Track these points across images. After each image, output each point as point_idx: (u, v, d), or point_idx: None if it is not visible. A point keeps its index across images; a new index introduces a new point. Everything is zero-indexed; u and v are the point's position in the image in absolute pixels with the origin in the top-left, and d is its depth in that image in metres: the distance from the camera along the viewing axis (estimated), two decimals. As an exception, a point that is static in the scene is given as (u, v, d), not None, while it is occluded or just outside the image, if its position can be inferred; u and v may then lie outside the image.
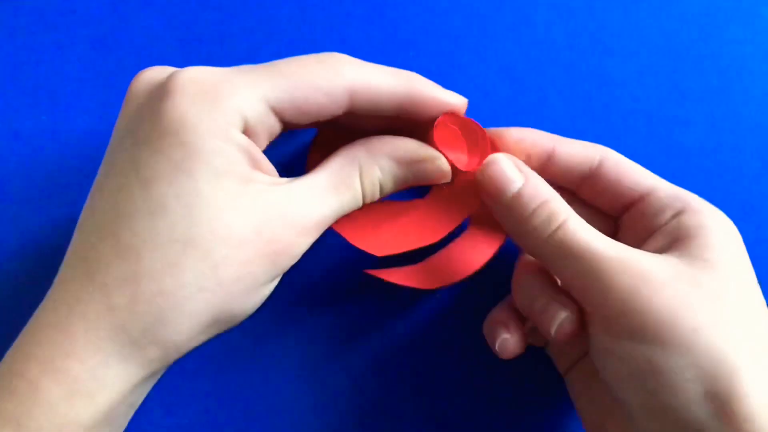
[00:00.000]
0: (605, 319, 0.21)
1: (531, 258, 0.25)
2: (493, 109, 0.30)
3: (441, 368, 0.28)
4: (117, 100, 0.29)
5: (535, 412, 0.28)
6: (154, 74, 0.21)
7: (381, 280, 0.25)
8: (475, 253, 0.26)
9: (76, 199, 0.28)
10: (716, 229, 0.22)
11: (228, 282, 0.19)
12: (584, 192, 0.25)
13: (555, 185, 0.23)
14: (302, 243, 0.21)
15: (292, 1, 0.31)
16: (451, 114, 0.23)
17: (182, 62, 0.25)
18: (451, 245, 0.26)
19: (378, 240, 0.25)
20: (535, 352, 0.27)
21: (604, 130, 0.30)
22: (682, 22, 0.31)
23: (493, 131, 0.25)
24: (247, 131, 0.20)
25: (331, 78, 0.20)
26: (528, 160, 0.25)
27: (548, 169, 0.25)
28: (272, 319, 0.28)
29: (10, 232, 0.29)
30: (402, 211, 0.25)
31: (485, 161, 0.23)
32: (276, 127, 0.21)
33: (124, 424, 0.20)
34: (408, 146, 0.23)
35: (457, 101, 0.23)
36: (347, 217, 0.23)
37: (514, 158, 0.23)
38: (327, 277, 0.28)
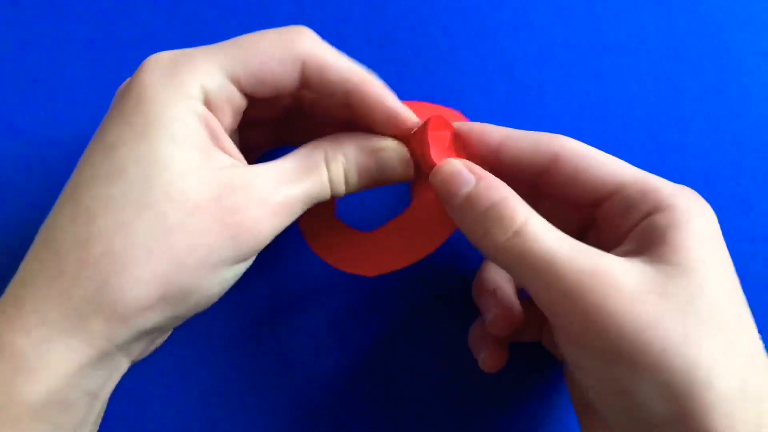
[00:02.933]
0: (572, 336, 0.20)
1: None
2: (492, 109, 0.30)
3: (435, 359, 0.28)
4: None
5: (532, 401, 0.28)
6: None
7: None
8: (427, 235, 0.25)
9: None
10: (690, 227, 0.20)
11: (180, 249, 0.18)
12: (545, 187, 0.23)
13: (514, 180, 0.22)
14: (268, 222, 0.20)
15: (296, 6, 0.31)
16: (434, 119, 0.23)
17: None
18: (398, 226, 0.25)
19: (368, 261, 0.25)
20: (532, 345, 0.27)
21: (604, 130, 0.30)
22: (680, 21, 0.31)
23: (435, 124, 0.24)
24: (209, 103, 0.20)
25: (285, 46, 0.21)
26: (472, 157, 0.23)
27: (498, 167, 0.23)
28: (262, 316, 0.28)
29: (10, 227, 0.29)
30: (387, 232, 0.25)
31: (437, 166, 0.22)
32: (238, 99, 0.21)
33: (87, 415, 0.19)
34: (371, 136, 0.23)
35: (403, 111, 0.22)
36: (334, 245, 0.24)
37: (466, 161, 0.22)
38: (311, 276, 0.29)
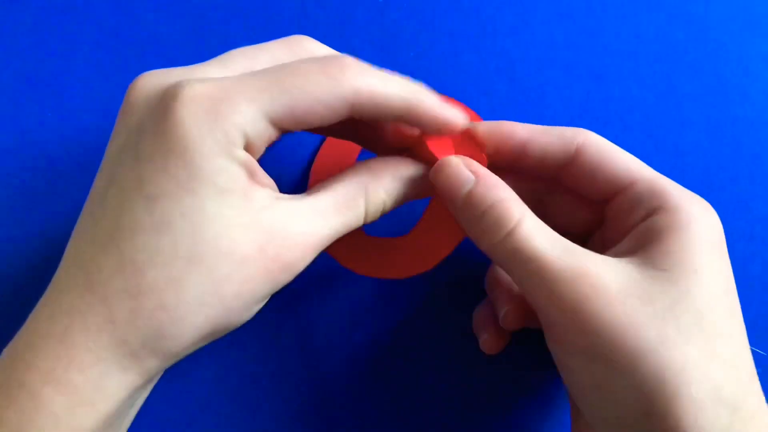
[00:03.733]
0: (555, 333, 0.21)
1: None
2: (494, 109, 0.30)
3: (431, 354, 0.28)
4: (121, 97, 0.30)
5: (528, 391, 0.28)
6: (152, 83, 0.21)
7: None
8: (437, 244, 0.25)
9: (80, 196, 0.28)
10: (689, 231, 0.20)
11: (229, 298, 0.19)
12: (565, 180, 0.24)
13: (534, 175, 0.23)
14: (303, 261, 0.21)
15: (299, 10, 0.31)
16: None
17: (185, 61, 0.25)
18: (413, 236, 0.26)
19: (382, 264, 0.25)
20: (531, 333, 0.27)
21: (605, 132, 0.30)
22: (681, 22, 0.31)
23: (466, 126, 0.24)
24: (246, 144, 0.20)
25: (333, 89, 0.20)
26: (497, 154, 0.24)
27: (523, 163, 0.24)
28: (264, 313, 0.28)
29: (15, 227, 0.29)
30: (411, 237, 0.26)
31: (436, 164, 0.22)
32: (274, 136, 0.21)
33: (127, 422, 0.21)
34: (408, 166, 0.23)
35: (457, 122, 0.22)
36: (352, 250, 0.25)
37: (467, 159, 0.23)
38: (315, 273, 0.29)
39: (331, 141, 0.29)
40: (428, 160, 0.23)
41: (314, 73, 0.20)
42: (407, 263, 0.25)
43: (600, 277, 0.19)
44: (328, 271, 0.29)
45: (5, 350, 0.19)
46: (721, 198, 0.29)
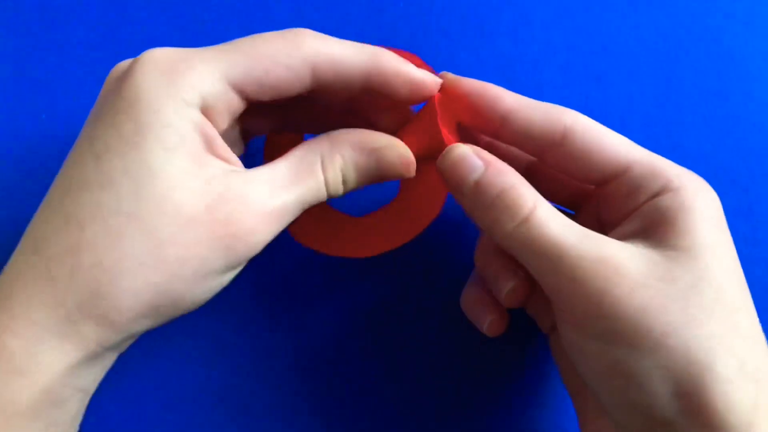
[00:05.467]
0: (574, 318, 0.20)
1: None
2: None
3: (423, 344, 0.28)
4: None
5: (519, 378, 0.28)
6: (129, 61, 0.21)
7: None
8: (416, 215, 0.25)
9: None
10: (696, 210, 0.20)
11: (173, 261, 0.18)
12: (551, 162, 0.23)
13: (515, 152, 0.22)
14: (262, 230, 0.20)
15: (294, 10, 0.31)
16: (439, 96, 0.23)
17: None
18: (388, 209, 0.26)
19: (355, 244, 0.25)
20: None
21: None
22: (680, 23, 0.31)
23: (448, 79, 0.23)
24: (205, 109, 0.20)
25: (291, 51, 0.20)
26: (473, 121, 0.23)
27: (503, 135, 0.23)
28: (258, 312, 0.28)
29: (10, 229, 0.29)
30: (374, 217, 0.25)
31: (444, 151, 0.22)
32: (237, 104, 0.21)
33: (80, 409, 0.20)
34: (369, 134, 0.22)
35: (427, 78, 0.22)
36: (321, 231, 0.24)
37: (474, 146, 0.22)
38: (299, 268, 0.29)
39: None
40: (429, 143, 0.23)
41: (273, 38, 0.20)
42: (370, 242, 0.25)
43: (621, 262, 0.19)
44: (320, 266, 0.29)
45: None
46: (723, 200, 0.29)
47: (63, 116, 0.30)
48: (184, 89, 0.19)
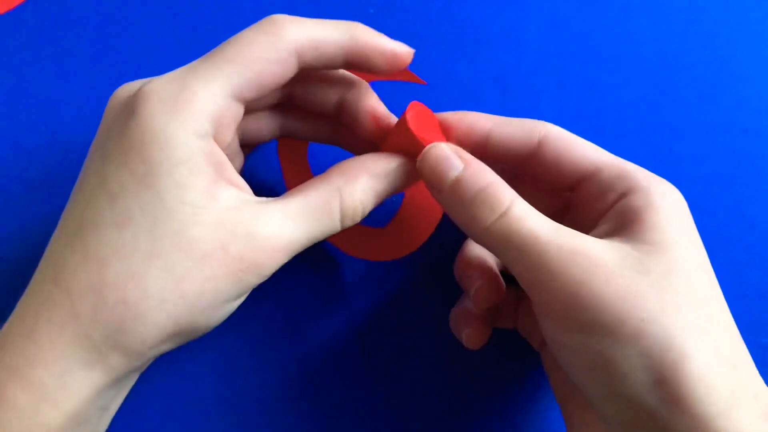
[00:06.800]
0: (553, 312, 0.21)
1: (469, 239, 0.26)
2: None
3: (415, 359, 0.28)
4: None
5: (513, 389, 0.28)
6: (127, 89, 0.21)
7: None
8: (416, 228, 0.27)
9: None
10: (664, 208, 0.21)
11: (191, 295, 0.19)
12: (529, 171, 0.24)
13: (497, 166, 0.23)
14: (271, 264, 0.21)
15: (279, 10, 0.31)
16: (414, 105, 0.23)
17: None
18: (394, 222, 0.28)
19: (369, 247, 0.27)
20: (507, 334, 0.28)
21: (597, 139, 0.29)
22: (672, 30, 0.31)
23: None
24: (215, 127, 0.20)
25: (276, 44, 0.20)
26: (462, 145, 0.24)
27: (486, 152, 0.24)
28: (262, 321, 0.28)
29: (11, 239, 0.29)
30: (394, 225, 0.28)
31: (423, 150, 0.23)
32: (239, 111, 0.21)
33: (102, 426, 0.21)
34: (380, 159, 0.23)
35: (401, 49, 0.23)
36: (354, 240, 0.26)
37: (454, 145, 0.23)
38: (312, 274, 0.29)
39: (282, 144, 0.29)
40: (408, 149, 0.23)
41: (255, 37, 0.20)
42: (388, 249, 0.27)
43: (596, 253, 0.20)
44: (315, 260, 0.29)
45: None
46: (716, 205, 0.29)
47: (61, 127, 0.30)
48: (191, 122, 0.19)
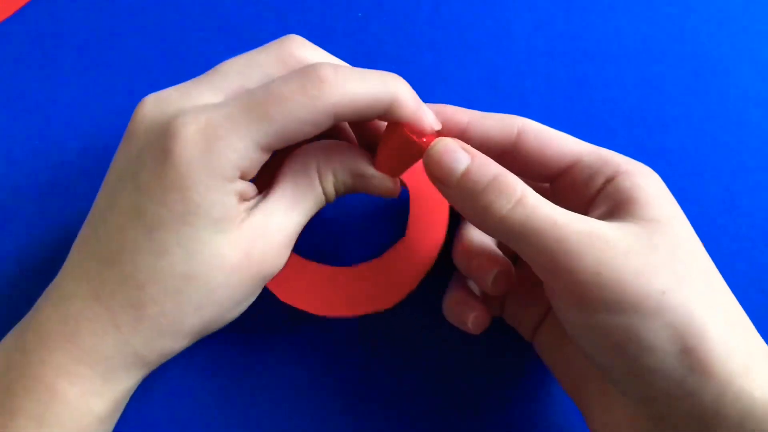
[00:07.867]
0: (575, 295, 0.21)
1: (468, 226, 0.27)
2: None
3: (408, 355, 0.29)
4: (108, 122, 0.30)
5: (510, 384, 0.28)
6: (152, 113, 0.22)
7: None
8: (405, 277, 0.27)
9: (69, 221, 0.29)
10: (650, 186, 0.22)
11: (222, 301, 0.22)
12: (509, 165, 0.24)
13: None
14: (284, 255, 0.23)
15: (281, 24, 0.32)
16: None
17: (171, 83, 0.25)
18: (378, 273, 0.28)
19: (338, 302, 0.27)
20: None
21: (589, 137, 0.30)
22: (662, 28, 0.32)
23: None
24: (241, 173, 0.21)
25: (315, 108, 0.21)
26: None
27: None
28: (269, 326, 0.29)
29: (8, 253, 0.29)
30: (360, 275, 0.28)
31: (430, 145, 0.23)
32: (266, 157, 0.22)
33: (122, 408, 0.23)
34: (358, 160, 0.24)
35: (432, 125, 0.23)
36: (305, 292, 0.27)
37: (458, 140, 0.23)
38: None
39: None
40: (402, 149, 0.23)
41: (296, 95, 0.21)
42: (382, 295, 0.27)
43: (609, 234, 0.21)
44: (315, 258, 0.29)
45: (11, 344, 0.22)
46: (705, 197, 0.30)
47: (56, 141, 0.30)
48: (223, 168, 0.21)
